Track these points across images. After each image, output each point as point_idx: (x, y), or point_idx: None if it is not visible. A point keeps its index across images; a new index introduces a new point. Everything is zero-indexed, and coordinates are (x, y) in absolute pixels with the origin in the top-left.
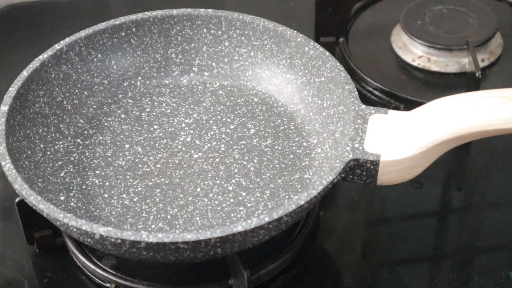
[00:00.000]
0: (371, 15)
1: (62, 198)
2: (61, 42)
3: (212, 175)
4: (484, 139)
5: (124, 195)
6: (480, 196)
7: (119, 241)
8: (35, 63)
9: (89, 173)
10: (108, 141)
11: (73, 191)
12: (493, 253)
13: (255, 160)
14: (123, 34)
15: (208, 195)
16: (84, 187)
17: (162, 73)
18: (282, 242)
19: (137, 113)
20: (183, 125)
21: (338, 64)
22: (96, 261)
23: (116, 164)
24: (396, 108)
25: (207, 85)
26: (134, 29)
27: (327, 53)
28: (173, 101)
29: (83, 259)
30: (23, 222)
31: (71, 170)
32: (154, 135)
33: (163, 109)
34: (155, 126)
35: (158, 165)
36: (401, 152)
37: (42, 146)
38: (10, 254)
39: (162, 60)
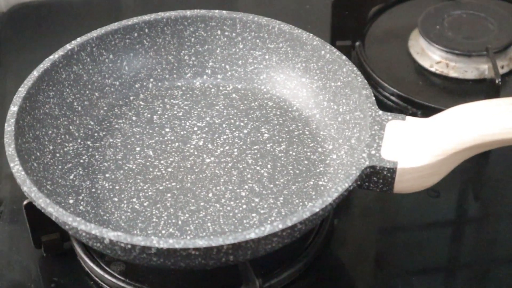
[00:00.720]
0: (388, 19)
1: (71, 201)
2: (73, 42)
3: (224, 180)
4: (503, 147)
5: (134, 199)
6: (499, 206)
7: (129, 246)
8: (46, 63)
9: (98, 176)
10: (119, 144)
11: (82, 195)
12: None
13: (269, 166)
14: (135, 35)
15: (220, 200)
16: (93, 190)
17: (175, 75)
18: (295, 250)
19: (149, 115)
20: (195, 128)
21: (354, 68)
22: (104, 266)
23: (126, 168)
24: (413, 114)
25: (220, 88)
26: (146, 30)
27: (344, 57)
28: (185, 104)
29: (91, 264)
30: (31, 225)
31: (81, 173)
32: (166, 138)
33: (175, 112)
34: (167, 129)
35: (170, 169)
36: (419, 160)
37: (51, 148)
38: (16, 257)
39: (174, 62)
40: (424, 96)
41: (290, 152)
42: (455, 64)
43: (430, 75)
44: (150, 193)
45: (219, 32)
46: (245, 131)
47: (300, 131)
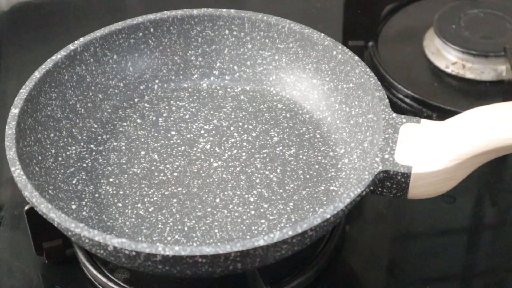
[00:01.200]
0: (402, 18)
1: (73, 206)
2: (75, 42)
3: (232, 185)
4: None
5: (139, 205)
6: None
7: (134, 253)
8: (48, 64)
9: (102, 181)
10: (123, 148)
11: (85, 200)
12: None
13: (278, 170)
14: (140, 34)
15: (228, 206)
16: (97, 195)
17: (181, 76)
18: (305, 257)
19: (154, 118)
20: (202, 131)
21: (367, 69)
22: (108, 274)
23: (131, 172)
24: (428, 117)
25: (228, 89)
26: (152, 30)
27: (356, 57)
28: (192, 106)
29: (95, 272)
30: (32, 231)
31: (84, 177)
32: (172, 141)
33: (181, 114)
34: (173, 132)
35: (175, 174)
36: (434, 164)
37: (53, 151)
38: (17, 265)
39: (181, 63)
40: (439, 98)
41: (300, 156)
42: (472, 65)
43: (446, 77)
44: (155, 198)
45: (227, 31)
46: (254, 134)
47: (311, 135)
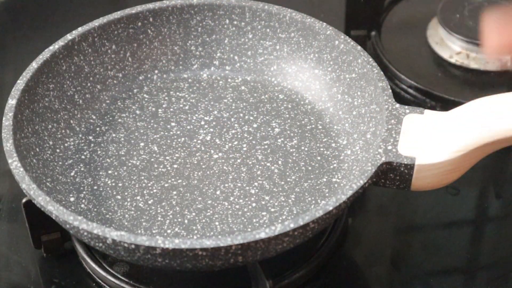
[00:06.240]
0: (406, 7)
1: (72, 199)
2: (73, 32)
3: (233, 177)
4: None
5: (138, 197)
6: None
7: (133, 246)
8: (45, 54)
9: (101, 173)
10: (122, 139)
11: (84, 192)
12: None
13: (280, 162)
14: (139, 24)
15: (229, 198)
16: (95, 187)
17: (181, 67)
18: (307, 250)
19: (153, 109)
20: (203, 122)
21: (370, 59)
22: (107, 267)
23: (130, 164)
24: (432, 108)
25: (229, 80)
26: (151, 19)
27: (359, 47)
28: (192, 97)
29: (93, 265)
30: (30, 224)
31: (82, 169)
32: (171, 133)
33: (181, 105)
34: (173, 124)
35: (175, 166)
36: (438, 156)
37: (51, 143)
38: (15, 258)
39: (180, 53)
40: (443, 88)
41: (302, 148)
42: (476, 54)
43: (450, 67)
44: (154, 190)
45: (227, 21)
46: (255, 126)
47: (313, 126)
